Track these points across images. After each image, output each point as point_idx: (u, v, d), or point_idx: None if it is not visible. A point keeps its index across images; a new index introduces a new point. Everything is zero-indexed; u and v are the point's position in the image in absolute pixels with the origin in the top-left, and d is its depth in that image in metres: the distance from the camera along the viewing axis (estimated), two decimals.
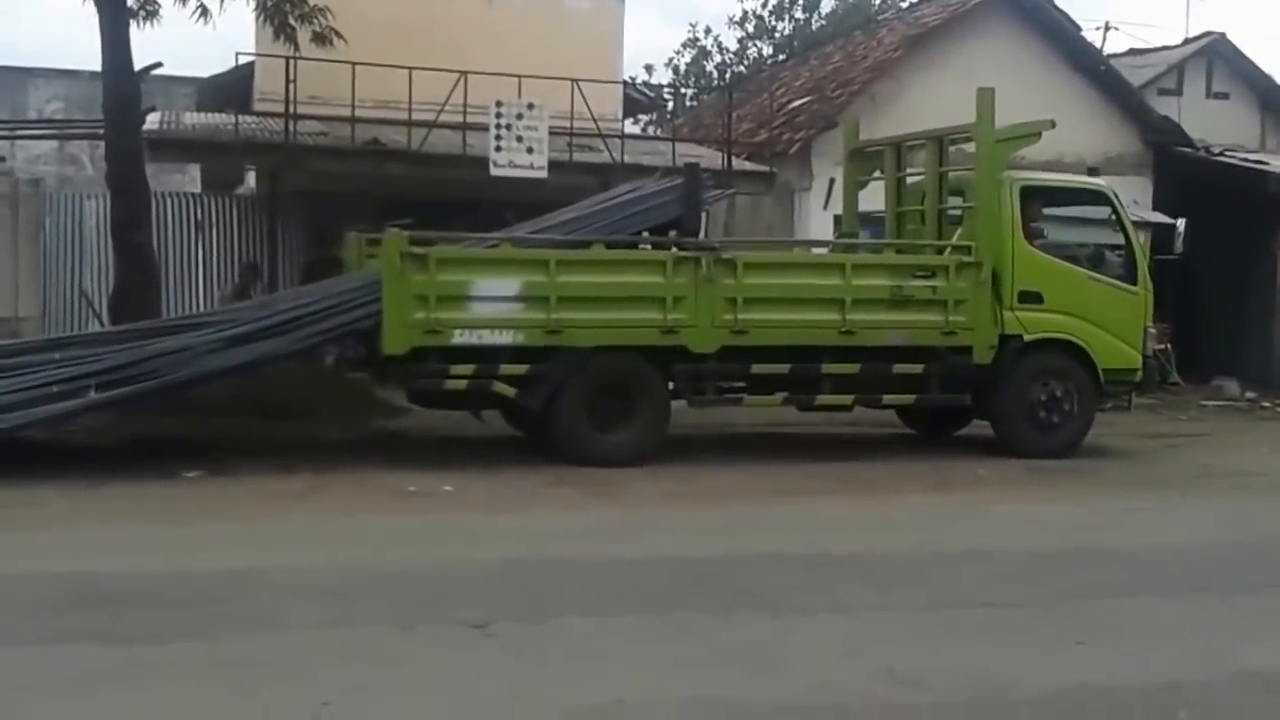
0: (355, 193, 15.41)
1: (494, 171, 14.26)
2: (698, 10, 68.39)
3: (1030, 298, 11.68)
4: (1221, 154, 16.01)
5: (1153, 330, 12.22)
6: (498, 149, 14.22)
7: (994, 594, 6.94)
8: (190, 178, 20.75)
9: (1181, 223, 13.63)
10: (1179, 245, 13.26)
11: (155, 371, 9.87)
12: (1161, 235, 14.78)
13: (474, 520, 8.74)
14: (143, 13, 12.88)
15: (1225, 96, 21.33)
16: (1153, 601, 6.90)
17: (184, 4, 13.06)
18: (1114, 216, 12.32)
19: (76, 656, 5.48)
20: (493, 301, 10.48)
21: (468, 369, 10.41)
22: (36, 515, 8.47)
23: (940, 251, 11.79)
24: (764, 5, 38.14)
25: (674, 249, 11.07)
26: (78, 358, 10.05)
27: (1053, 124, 11.97)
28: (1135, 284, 12.10)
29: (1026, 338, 11.64)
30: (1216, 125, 17.10)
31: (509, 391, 10.54)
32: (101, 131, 13.55)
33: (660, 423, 11.01)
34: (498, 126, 14.20)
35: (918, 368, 11.34)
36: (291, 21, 13.43)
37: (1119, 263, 12.22)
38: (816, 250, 12.94)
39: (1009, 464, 11.57)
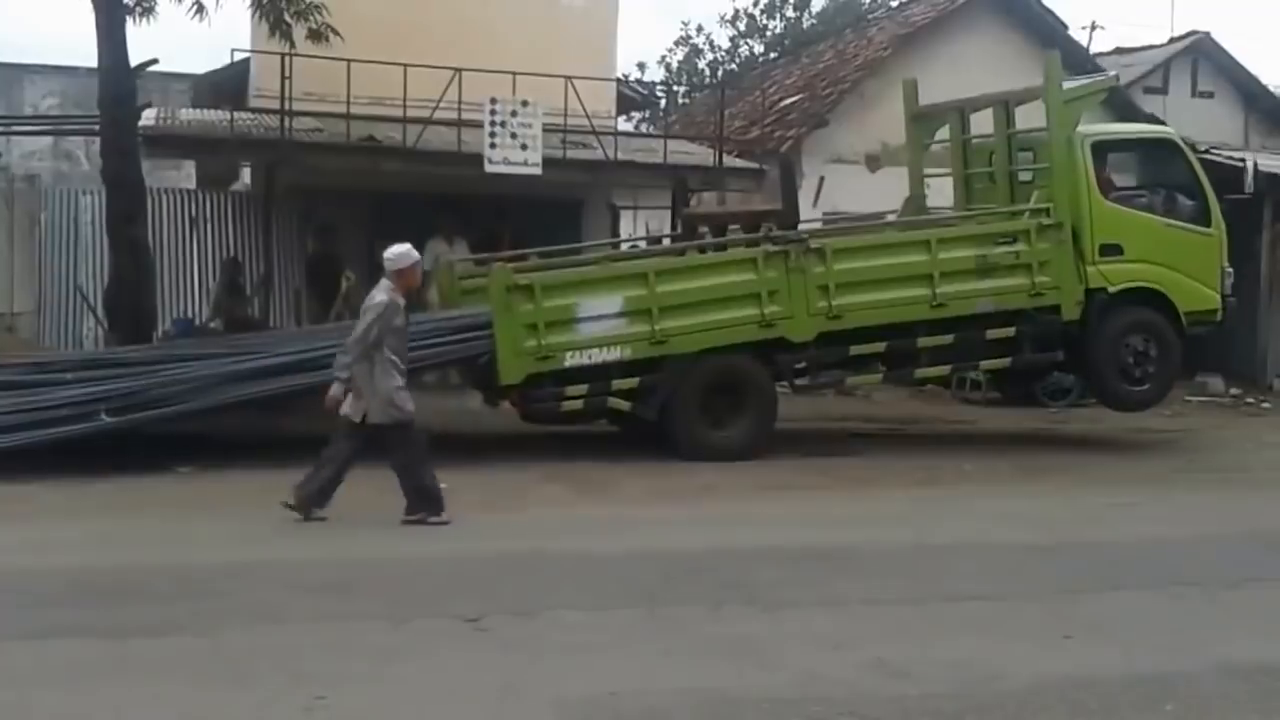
0: (350, 189, 15.45)
1: (488, 168, 14.27)
2: (690, 8, 68.36)
3: (1110, 250, 11.89)
4: (1207, 152, 16.13)
5: (1229, 270, 12.36)
6: (492, 146, 14.23)
7: (981, 588, 7.02)
8: (185, 174, 20.74)
9: (1250, 160, 13.76)
10: (1249, 184, 13.36)
11: (170, 399, 9.96)
12: (1226, 176, 14.79)
13: (467, 516, 8.78)
14: (139, 9, 12.87)
15: (1210, 95, 21.43)
16: (1138, 595, 6.99)
17: (180, 1, 13.10)
18: (1183, 160, 12.46)
19: (73, 650, 5.54)
20: (599, 320, 10.73)
21: (581, 389, 10.68)
22: (30, 509, 8.53)
23: (1019, 216, 11.92)
24: (755, 4, 38.25)
25: (764, 244, 11.27)
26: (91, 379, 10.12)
27: (1118, 78, 12.11)
28: (1209, 225, 12.26)
29: (1111, 290, 11.86)
30: (1201, 123, 17.19)
31: (624, 405, 10.84)
32: (97, 127, 13.52)
33: (769, 413, 11.33)
34: (492, 123, 14.20)
35: (1010, 331, 11.63)
36: (287, 18, 13.42)
37: (1191, 206, 12.33)
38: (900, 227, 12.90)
39: (996, 460, 11.68)
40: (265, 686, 5.15)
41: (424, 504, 8.27)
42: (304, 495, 8.25)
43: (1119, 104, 19.25)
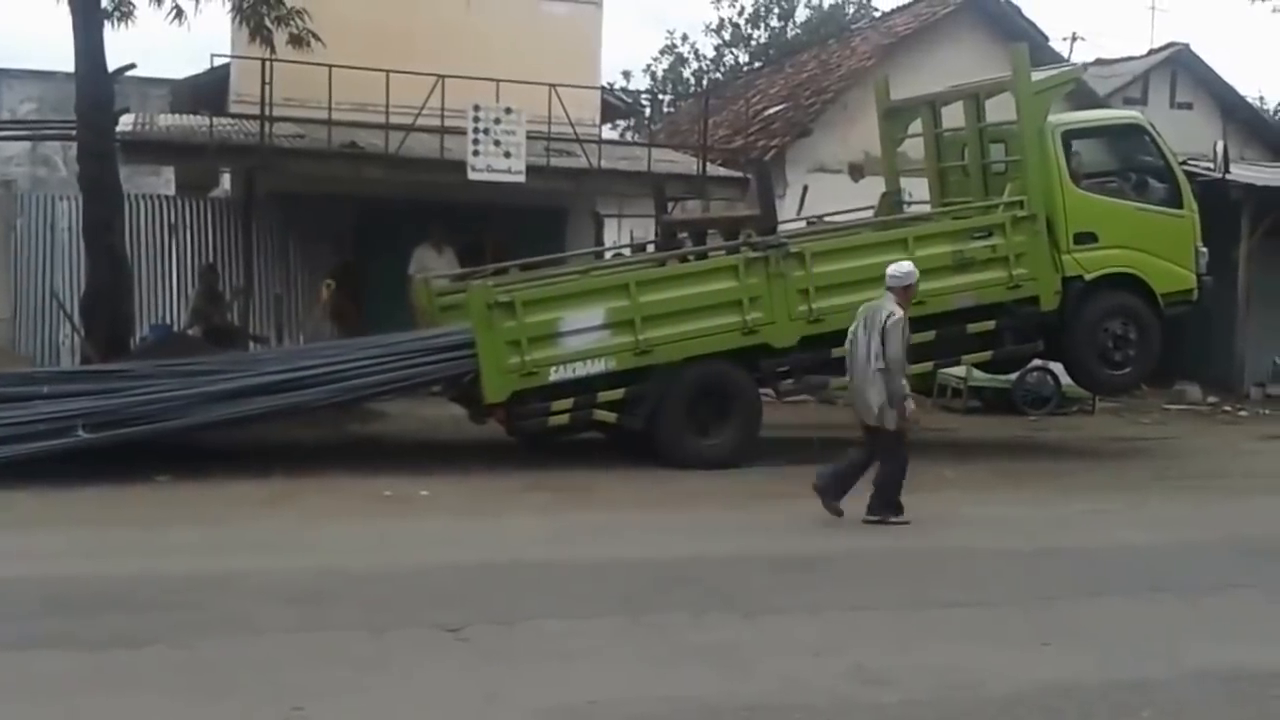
0: (332, 196, 15.39)
1: (471, 176, 14.23)
2: (675, 17, 68.58)
3: (1085, 238, 11.98)
4: (1185, 163, 16.34)
5: (1203, 250, 12.43)
6: (475, 153, 14.18)
7: (961, 594, 7.05)
8: (165, 180, 20.58)
9: (1220, 143, 13.85)
10: (1220, 165, 13.46)
11: (149, 417, 9.92)
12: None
13: (449, 524, 8.78)
14: (116, 14, 12.81)
15: (1189, 106, 21.61)
16: (1116, 602, 7.03)
17: (159, 5, 13.02)
18: (1152, 144, 12.53)
19: (48, 661, 5.49)
20: (582, 333, 10.72)
21: (567, 403, 10.66)
22: (6, 518, 8.46)
23: (994, 210, 11.97)
24: (740, 13, 38.41)
25: (744, 250, 11.29)
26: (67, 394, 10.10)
27: (1085, 67, 12.06)
28: (1181, 207, 12.34)
29: (1087, 277, 11.94)
30: (1180, 134, 17.30)
31: (610, 417, 10.84)
32: (75, 133, 13.46)
33: (754, 420, 11.35)
34: (475, 130, 14.15)
35: (990, 324, 11.70)
36: (268, 24, 13.36)
37: (1163, 189, 12.41)
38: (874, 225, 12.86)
39: (976, 466, 11.72)
40: (243, 697, 5.12)
41: (889, 506, 8.81)
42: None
43: (1089, 104, 19.39)
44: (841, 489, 8.91)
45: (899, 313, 8.82)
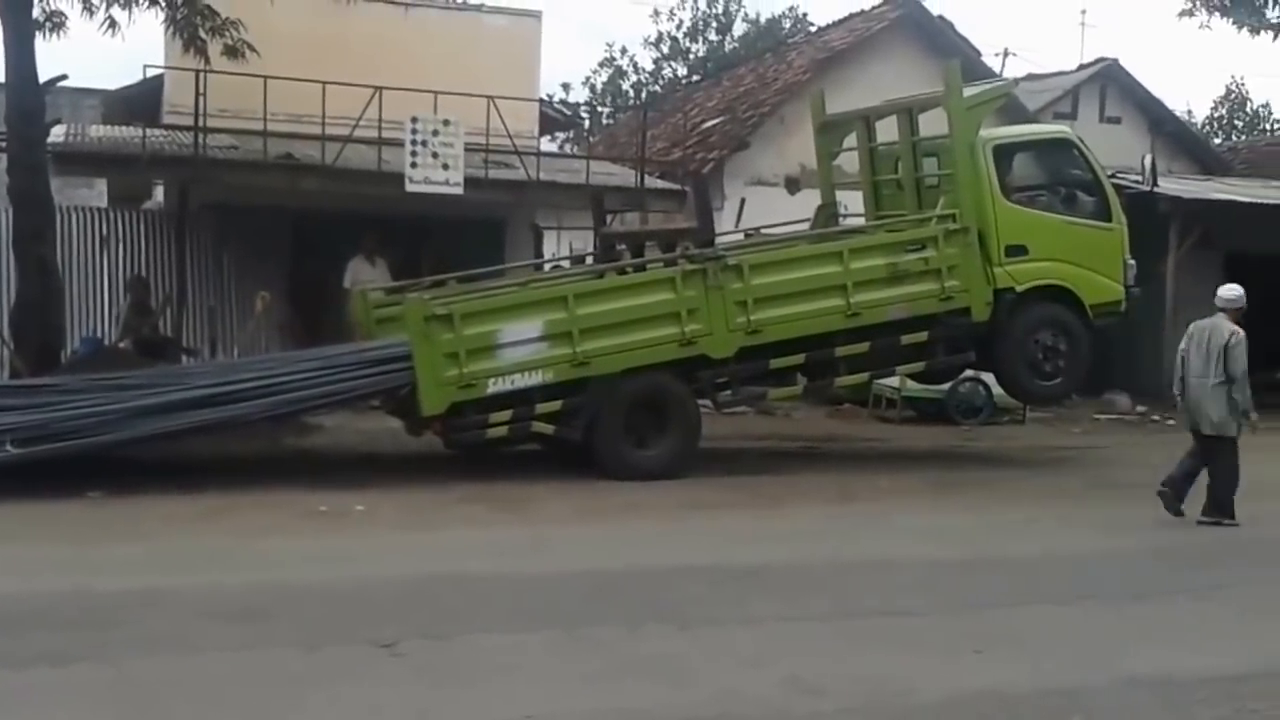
0: (268, 207, 15.23)
1: (409, 188, 14.16)
2: (615, 31, 68.91)
3: (1016, 251, 12.17)
4: (1114, 176, 16.75)
5: (1131, 262, 12.70)
6: (413, 165, 14.11)
7: (895, 603, 7.12)
8: (97, 192, 20.28)
9: (1148, 157, 14.15)
10: (1148, 178, 13.77)
11: (79, 431, 9.75)
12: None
13: (385, 539, 8.71)
14: (48, 25, 12.63)
15: (1118, 120, 22.11)
16: (1047, 609, 7.15)
17: (91, 16, 12.86)
18: (1082, 158, 12.76)
19: None
20: (520, 345, 10.70)
21: (505, 415, 10.65)
22: None
23: (927, 223, 12.13)
24: (679, 27, 38.71)
25: (682, 262, 11.35)
26: None
27: (1016, 82, 12.22)
28: (1110, 220, 12.58)
29: (1018, 289, 12.13)
30: (1109, 148, 17.67)
31: (548, 429, 10.85)
32: (4, 144, 13.23)
33: (692, 431, 11.41)
34: (413, 142, 14.09)
35: (923, 335, 11.85)
36: (202, 34, 13.23)
37: (1092, 202, 12.65)
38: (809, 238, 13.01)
39: (910, 476, 11.86)
40: (171, 717, 5.06)
41: (1222, 508, 9.71)
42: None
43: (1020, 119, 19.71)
44: (1180, 494, 9.77)
45: (1240, 331, 9.63)
